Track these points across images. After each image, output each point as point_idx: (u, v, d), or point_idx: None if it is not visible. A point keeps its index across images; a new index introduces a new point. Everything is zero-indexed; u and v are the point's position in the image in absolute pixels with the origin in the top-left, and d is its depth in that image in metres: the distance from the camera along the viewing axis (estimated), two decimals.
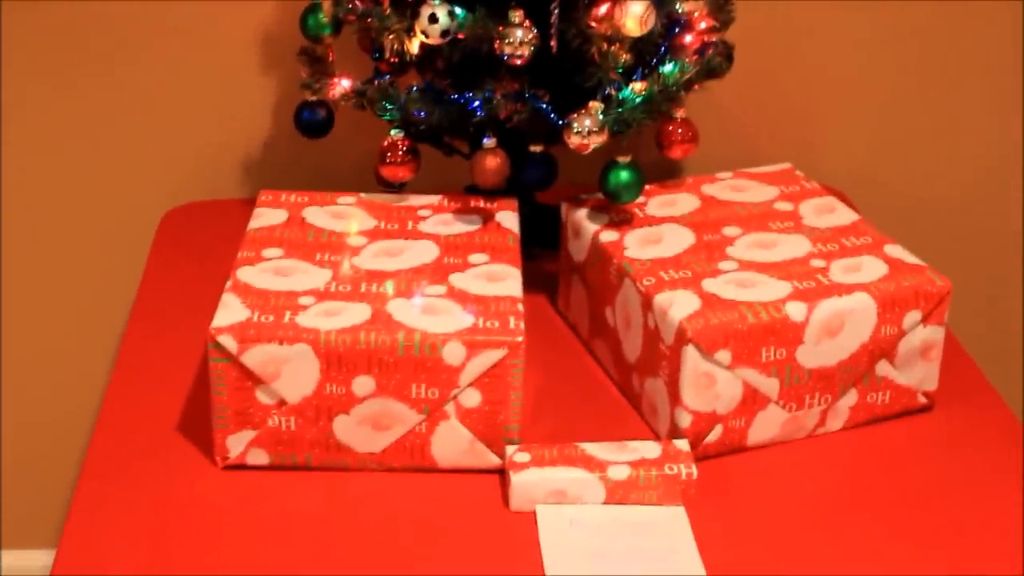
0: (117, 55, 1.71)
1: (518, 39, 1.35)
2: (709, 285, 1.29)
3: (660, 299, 1.28)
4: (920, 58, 1.78)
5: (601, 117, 1.36)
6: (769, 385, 1.27)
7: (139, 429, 1.31)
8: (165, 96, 1.73)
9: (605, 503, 1.21)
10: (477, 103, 1.42)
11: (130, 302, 1.53)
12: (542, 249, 1.55)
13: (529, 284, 1.34)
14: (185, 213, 1.71)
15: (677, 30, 1.45)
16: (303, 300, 1.25)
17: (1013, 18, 1.75)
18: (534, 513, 1.20)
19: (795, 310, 1.26)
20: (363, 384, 1.21)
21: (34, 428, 1.91)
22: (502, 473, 1.24)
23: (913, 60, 1.78)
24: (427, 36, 1.37)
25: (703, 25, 1.45)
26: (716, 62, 1.48)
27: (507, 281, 1.30)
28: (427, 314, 1.23)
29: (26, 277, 1.82)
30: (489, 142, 1.41)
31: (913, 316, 1.30)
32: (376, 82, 1.46)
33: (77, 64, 1.71)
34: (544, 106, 1.42)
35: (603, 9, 1.37)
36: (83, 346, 1.85)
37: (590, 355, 1.44)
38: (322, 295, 1.26)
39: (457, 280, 1.29)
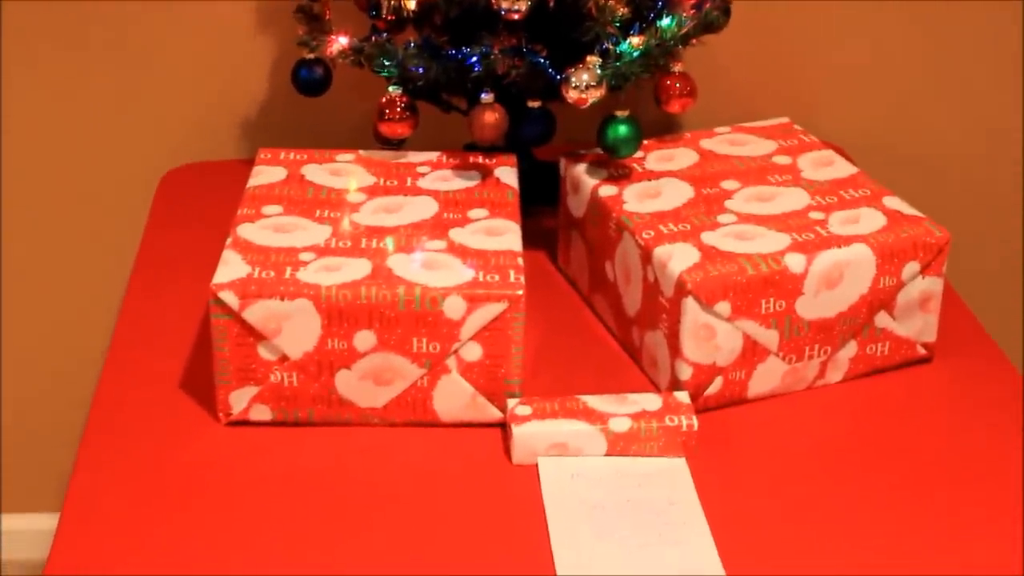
0: (115, 15, 1.71)
1: None
2: (708, 238, 1.29)
3: (659, 252, 1.28)
4: (918, 12, 1.77)
5: (599, 71, 1.36)
6: (769, 337, 1.27)
7: (141, 387, 1.31)
8: (163, 56, 1.73)
9: (606, 455, 1.22)
10: (475, 59, 1.41)
11: (131, 262, 1.53)
12: (541, 206, 1.55)
13: (528, 241, 1.35)
14: (184, 173, 1.72)
15: None
16: (303, 256, 1.25)
17: None
18: (536, 466, 1.21)
19: (794, 262, 1.26)
20: (364, 339, 1.22)
21: (35, 391, 1.92)
22: (504, 426, 1.25)
23: (910, 14, 1.77)
24: None
25: None
26: (714, 16, 1.48)
27: (506, 235, 1.30)
28: (427, 269, 1.24)
29: (27, 239, 1.82)
30: (487, 97, 1.41)
31: (912, 267, 1.31)
32: (374, 38, 1.46)
33: (75, 27, 1.71)
34: (542, 61, 1.42)
35: None
36: (84, 306, 1.85)
37: (590, 310, 1.44)
38: (322, 251, 1.26)
39: (457, 235, 1.30)
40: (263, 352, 1.23)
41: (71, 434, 1.87)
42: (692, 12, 1.44)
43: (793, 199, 1.37)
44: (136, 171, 1.76)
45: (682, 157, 1.45)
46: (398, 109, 1.44)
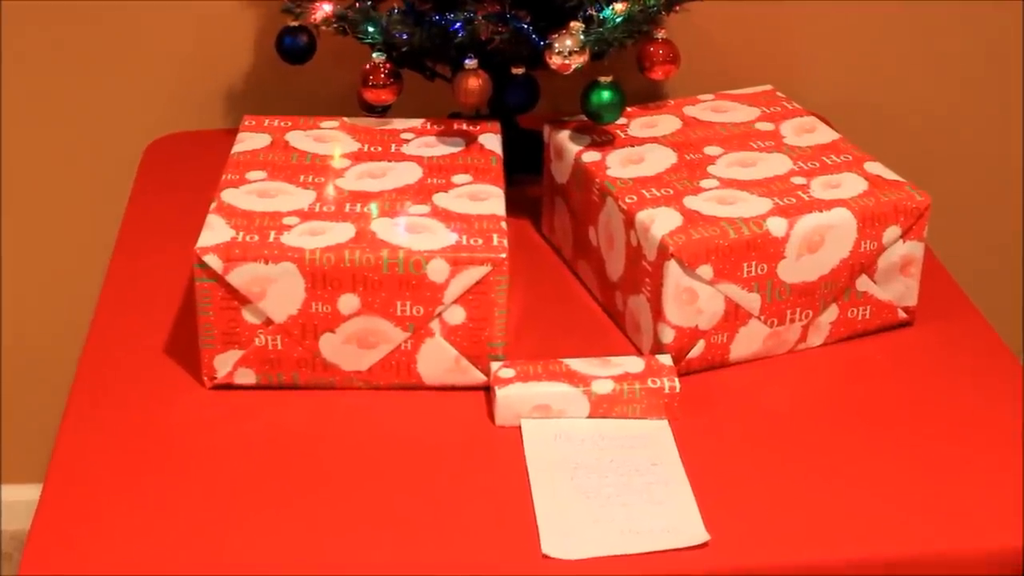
0: None
1: None
2: (691, 202, 1.30)
3: (642, 216, 1.28)
4: None
5: (582, 37, 1.37)
6: (751, 300, 1.28)
7: (126, 352, 1.31)
8: (148, 26, 1.73)
9: (589, 417, 1.23)
10: (458, 24, 1.42)
11: (115, 231, 1.54)
12: (525, 174, 1.55)
13: (512, 209, 1.35)
14: (169, 143, 1.72)
15: None
16: (287, 220, 1.26)
17: None
18: (519, 427, 1.22)
19: (776, 225, 1.27)
20: (348, 302, 1.22)
21: (24, 361, 1.92)
22: (487, 389, 1.26)
23: None
24: None
25: None
26: None
27: (490, 200, 1.30)
28: (411, 232, 1.24)
29: (12, 208, 1.82)
30: (471, 63, 1.41)
31: (893, 231, 1.31)
32: (357, 4, 1.46)
33: None
34: (525, 27, 1.42)
35: None
36: (70, 274, 1.85)
37: (574, 276, 1.45)
38: (306, 215, 1.27)
39: (440, 200, 1.30)
40: (247, 316, 1.23)
41: (60, 402, 1.88)
42: None
43: (775, 164, 1.37)
44: (121, 141, 1.76)
45: (665, 124, 1.46)
46: (382, 75, 1.44)
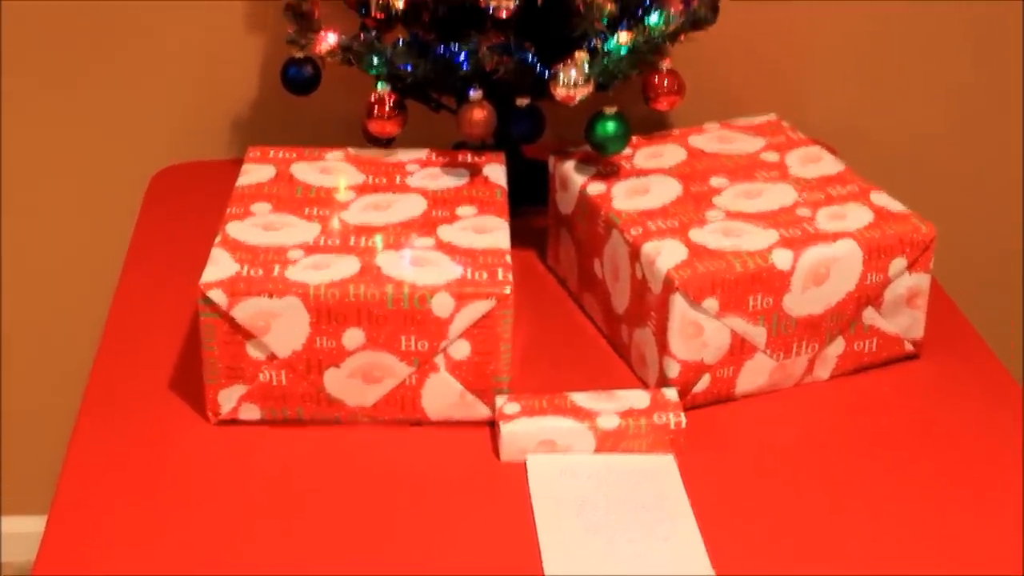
0: (103, 16, 1.71)
1: None
2: (696, 235, 1.30)
3: (647, 249, 1.28)
4: (906, 6, 1.78)
5: (587, 68, 1.36)
6: (756, 333, 1.28)
7: (131, 387, 1.31)
8: (153, 56, 1.73)
9: (595, 452, 1.22)
10: (463, 56, 1.42)
11: (120, 263, 1.54)
12: (530, 204, 1.55)
13: (518, 239, 1.35)
14: (174, 173, 1.72)
15: None
16: (292, 254, 1.25)
17: None
18: (524, 463, 1.21)
19: (781, 258, 1.27)
20: (353, 337, 1.22)
21: (27, 392, 1.92)
22: (492, 424, 1.25)
23: (898, 10, 1.78)
24: None
25: None
26: (702, 13, 1.48)
27: (495, 233, 1.30)
28: (416, 266, 1.24)
29: (18, 238, 1.82)
30: (475, 94, 1.41)
31: (899, 263, 1.31)
32: (362, 36, 1.46)
33: (64, 27, 1.71)
34: (530, 58, 1.42)
35: None
36: (74, 306, 1.85)
37: (579, 308, 1.44)
38: (311, 249, 1.26)
39: (445, 233, 1.30)
40: (252, 351, 1.23)
41: (63, 436, 1.88)
42: (680, 9, 1.45)
43: (781, 196, 1.37)
44: (126, 171, 1.76)
45: (670, 154, 1.46)
46: (387, 107, 1.44)
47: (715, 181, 1.40)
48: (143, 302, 1.44)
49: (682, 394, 1.27)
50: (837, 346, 1.32)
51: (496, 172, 1.42)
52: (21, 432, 1.95)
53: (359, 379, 1.24)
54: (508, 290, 1.22)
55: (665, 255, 1.26)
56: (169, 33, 1.72)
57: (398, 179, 1.40)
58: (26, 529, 1.99)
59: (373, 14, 1.45)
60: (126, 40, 1.72)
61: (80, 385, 1.35)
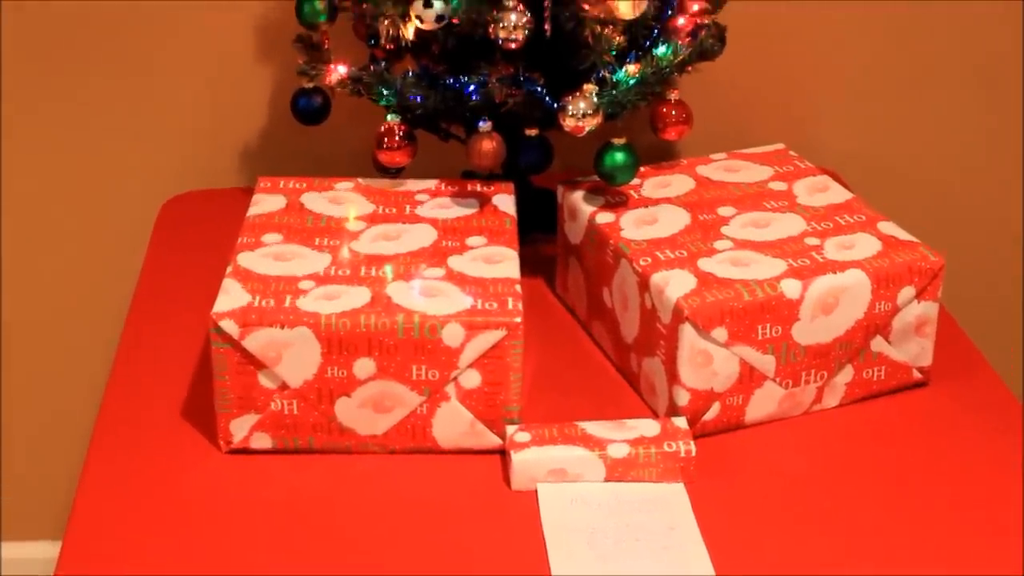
0: (114, 45, 1.72)
1: (512, 23, 1.36)
2: (705, 264, 1.30)
3: (656, 278, 1.29)
4: (912, 37, 1.79)
5: (595, 100, 1.37)
6: (765, 362, 1.28)
7: (142, 416, 1.32)
8: (163, 85, 1.74)
9: (605, 481, 1.23)
10: (472, 87, 1.43)
11: (131, 291, 1.54)
12: (539, 234, 1.56)
13: (527, 268, 1.36)
14: (184, 202, 1.73)
15: (670, 12, 1.46)
16: (303, 284, 1.26)
17: None
18: (535, 492, 1.22)
19: (790, 287, 1.27)
20: (364, 367, 1.22)
21: (36, 419, 1.93)
22: (503, 453, 1.26)
23: (905, 39, 1.79)
24: (422, 21, 1.39)
25: (696, 7, 1.46)
26: (709, 44, 1.49)
27: (505, 263, 1.31)
28: (426, 296, 1.25)
29: (27, 268, 1.83)
30: (485, 125, 1.42)
31: (907, 292, 1.32)
32: (372, 68, 1.47)
33: (75, 55, 1.72)
34: (539, 89, 1.43)
35: None
36: (85, 335, 1.86)
37: (588, 337, 1.45)
38: (322, 279, 1.27)
39: (455, 263, 1.30)
40: (263, 380, 1.23)
41: (71, 462, 1.88)
42: (687, 40, 1.46)
43: (789, 225, 1.38)
44: (136, 199, 1.77)
45: (678, 184, 1.46)
46: (396, 138, 1.45)
47: (723, 210, 1.41)
48: (154, 331, 1.45)
49: (692, 422, 1.27)
50: (846, 374, 1.32)
51: (505, 202, 1.42)
52: (26, 458, 1.95)
53: (370, 408, 1.24)
54: (518, 320, 1.22)
55: (674, 285, 1.27)
56: (180, 63, 1.73)
57: (408, 209, 1.41)
58: (28, 555, 2.00)
59: (383, 45, 1.46)
60: (137, 69, 1.73)
61: (89, 412, 1.36)
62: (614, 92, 1.40)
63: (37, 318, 1.86)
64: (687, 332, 1.25)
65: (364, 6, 1.46)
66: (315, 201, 1.42)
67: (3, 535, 2.01)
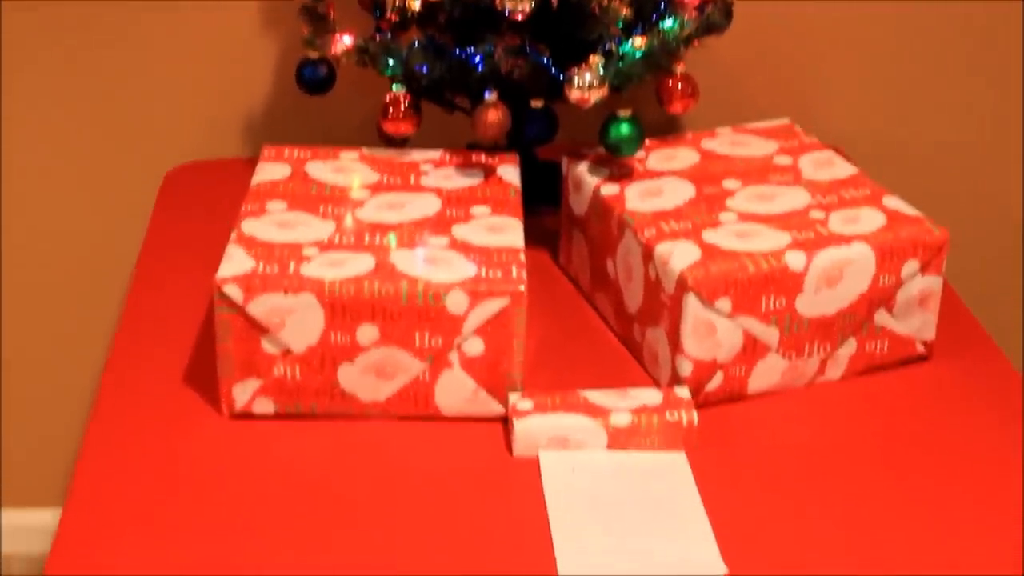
0: (119, 14, 1.72)
1: None
2: (709, 236, 1.30)
3: (661, 249, 1.29)
4: (917, 13, 1.78)
5: (601, 71, 1.37)
6: (769, 334, 1.28)
7: (145, 382, 1.32)
8: (168, 55, 1.74)
9: (607, 449, 1.23)
10: (478, 58, 1.43)
11: (134, 260, 1.54)
12: (543, 205, 1.56)
13: (531, 240, 1.36)
14: (188, 172, 1.73)
15: None
16: (307, 251, 1.26)
17: None
18: (537, 459, 1.22)
19: (795, 259, 1.27)
20: (367, 333, 1.23)
21: (38, 385, 1.93)
22: (505, 421, 1.26)
23: (910, 16, 1.78)
24: None
25: None
26: (715, 18, 1.49)
27: (509, 232, 1.31)
28: (430, 264, 1.25)
29: (30, 237, 1.83)
30: (490, 96, 1.42)
31: (911, 266, 1.32)
32: (377, 38, 1.47)
33: (78, 25, 1.72)
34: (545, 61, 1.43)
35: None
36: (89, 302, 1.86)
37: (592, 307, 1.45)
38: (326, 246, 1.27)
39: (459, 231, 1.31)
40: (266, 346, 1.24)
41: (72, 429, 1.89)
42: (694, 14, 1.46)
43: (793, 198, 1.38)
44: (140, 169, 1.77)
45: (683, 157, 1.46)
46: (402, 108, 1.45)
47: (728, 184, 1.41)
48: (157, 298, 1.45)
49: (694, 392, 1.27)
50: (849, 347, 1.33)
51: (510, 172, 1.42)
52: (26, 426, 1.96)
53: (373, 375, 1.24)
54: (522, 288, 1.22)
55: (678, 255, 1.27)
56: (184, 32, 1.73)
57: (412, 179, 1.41)
58: (29, 522, 2.00)
59: (388, 16, 1.46)
60: (141, 38, 1.73)
61: (90, 379, 1.36)
62: (620, 64, 1.40)
63: (41, 286, 1.86)
64: (691, 302, 1.25)
65: None
66: (320, 170, 1.42)
67: (4, 501, 2.02)
